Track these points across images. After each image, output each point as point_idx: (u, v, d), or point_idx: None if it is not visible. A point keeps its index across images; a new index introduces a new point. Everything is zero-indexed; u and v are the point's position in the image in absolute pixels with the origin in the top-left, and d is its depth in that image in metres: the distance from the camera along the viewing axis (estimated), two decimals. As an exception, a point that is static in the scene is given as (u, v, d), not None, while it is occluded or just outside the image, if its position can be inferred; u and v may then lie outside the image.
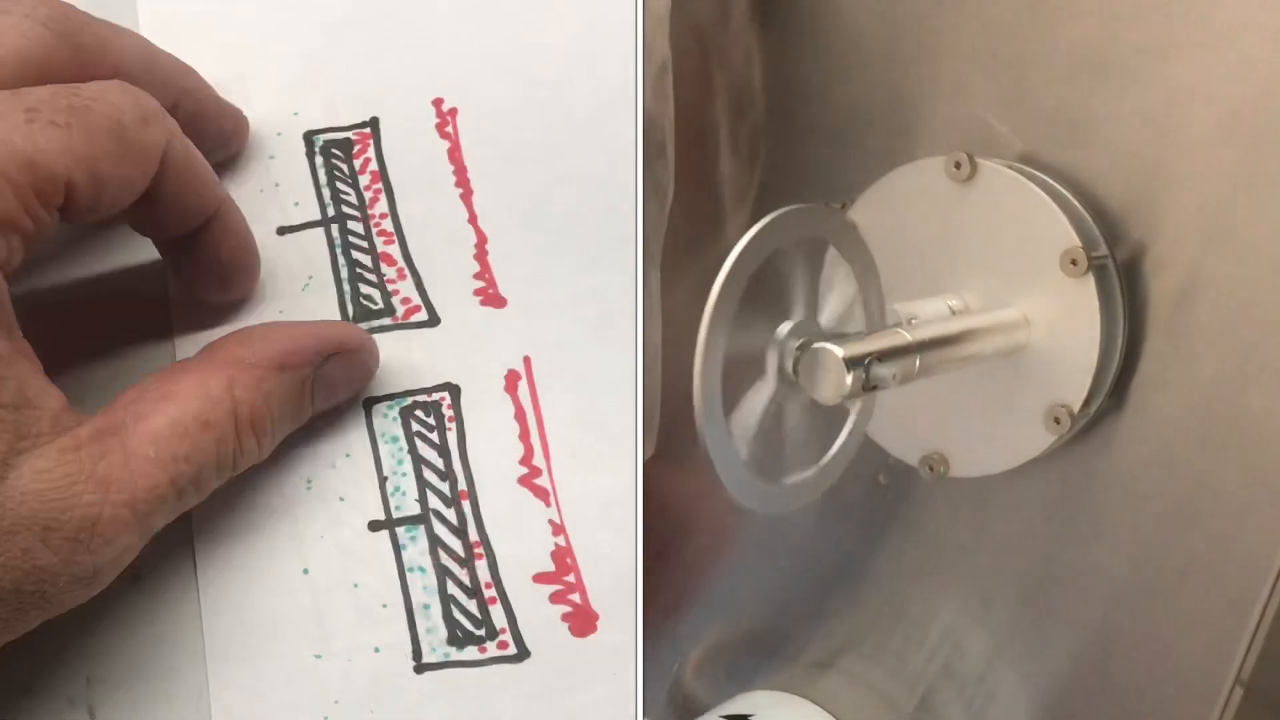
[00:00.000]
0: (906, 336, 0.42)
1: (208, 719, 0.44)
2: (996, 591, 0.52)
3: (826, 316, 0.43)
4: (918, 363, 0.42)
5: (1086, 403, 0.47)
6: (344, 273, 0.50)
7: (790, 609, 0.57)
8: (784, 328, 0.41)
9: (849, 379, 0.40)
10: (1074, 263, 0.46)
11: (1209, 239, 0.46)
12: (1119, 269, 0.47)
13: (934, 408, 0.49)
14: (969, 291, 0.48)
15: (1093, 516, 0.49)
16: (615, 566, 0.45)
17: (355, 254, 0.50)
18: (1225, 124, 0.46)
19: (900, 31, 0.51)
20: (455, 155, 0.51)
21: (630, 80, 0.50)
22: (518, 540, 0.46)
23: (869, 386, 0.41)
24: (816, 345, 0.40)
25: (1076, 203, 0.47)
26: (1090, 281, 0.46)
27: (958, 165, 0.48)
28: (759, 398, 0.41)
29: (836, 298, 0.44)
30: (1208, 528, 0.47)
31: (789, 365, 0.41)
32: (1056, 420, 0.47)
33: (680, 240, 0.57)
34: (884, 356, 0.41)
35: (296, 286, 0.50)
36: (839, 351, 0.40)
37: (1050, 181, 0.48)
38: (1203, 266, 0.46)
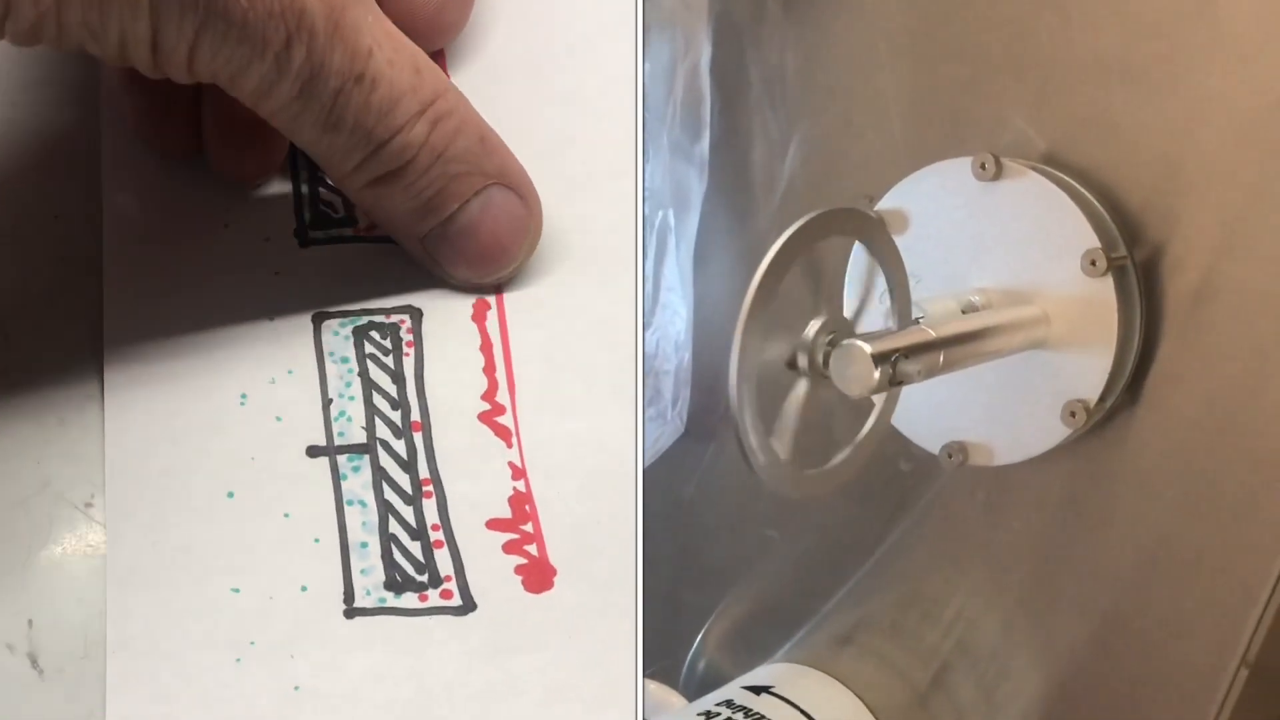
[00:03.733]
0: (931, 333, 0.43)
1: (101, 649, 0.40)
2: (1011, 575, 0.53)
3: (854, 313, 0.44)
4: (941, 358, 0.43)
5: (1103, 398, 0.48)
6: (304, 174, 0.46)
7: (812, 586, 0.58)
8: (814, 324, 0.42)
9: (876, 374, 0.41)
10: (1094, 263, 0.47)
11: (1225, 242, 0.47)
12: (1137, 269, 0.48)
13: (956, 399, 0.50)
14: (991, 288, 0.49)
15: (1106, 506, 0.50)
16: (578, 519, 0.42)
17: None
18: (1242, 132, 0.46)
19: (930, 34, 0.52)
20: None
21: (631, 65, 0.50)
22: (472, 480, 0.42)
23: (895, 381, 0.41)
24: (845, 341, 0.41)
25: (1098, 204, 0.48)
26: (1109, 281, 0.47)
27: (983, 165, 0.48)
28: (789, 390, 0.42)
29: (864, 295, 0.45)
30: (1218, 519, 0.48)
31: (819, 360, 0.41)
32: (1073, 414, 0.48)
33: (712, 226, 0.58)
34: (909, 353, 0.42)
35: (246, 187, 0.46)
36: (867, 348, 0.41)
37: (1073, 183, 0.48)
38: (1219, 269, 0.47)
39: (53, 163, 0.47)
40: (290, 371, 0.43)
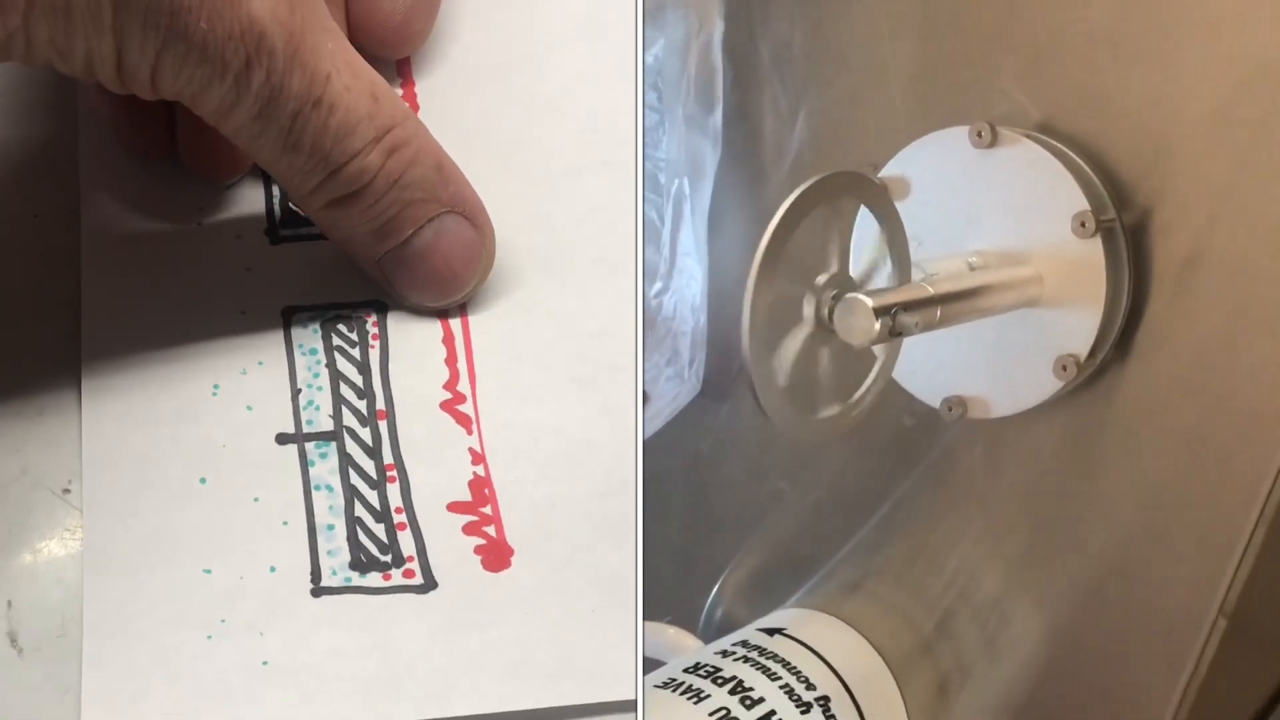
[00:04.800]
0: (929, 289, 0.45)
1: (78, 627, 0.41)
2: (1009, 524, 0.54)
3: (858, 269, 0.45)
4: (938, 313, 0.45)
5: (1092, 353, 0.49)
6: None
7: (822, 536, 0.59)
8: (820, 279, 0.44)
9: (877, 326, 0.43)
10: (1083, 225, 0.48)
11: (1211, 208, 0.48)
12: (1126, 232, 0.49)
13: (955, 355, 0.51)
14: (987, 249, 0.50)
15: (1096, 457, 0.52)
16: (535, 502, 0.43)
17: None
18: (1228, 103, 0.48)
19: (930, 10, 0.53)
20: (409, 93, 0.49)
21: (629, 64, 0.51)
22: (434, 466, 0.44)
23: (894, 333, 0.44)
24: (849, 295, 0.43)
25: (1089, 170, 0.49)
26: (1098, 243, 0.48)
27: (980, 133, 0.50)
28: (797, 340, 0.44)
29: (867, 253, 0.46)
30: (1199, 470, 0.49)
31: (824, 312, 0.43)
32: (1064, 368, 0.49)
33: (726, 194, 0.60)
34: (909, 307, 0.44)
35: (219, 186, 0.47)
36: (869, 301, 0.43)
37: (1065, 150, 0.50)
38: (1204, 233, 0.48)
39: (33, 162, 0.49)
40: (261, 363, 0.45)
